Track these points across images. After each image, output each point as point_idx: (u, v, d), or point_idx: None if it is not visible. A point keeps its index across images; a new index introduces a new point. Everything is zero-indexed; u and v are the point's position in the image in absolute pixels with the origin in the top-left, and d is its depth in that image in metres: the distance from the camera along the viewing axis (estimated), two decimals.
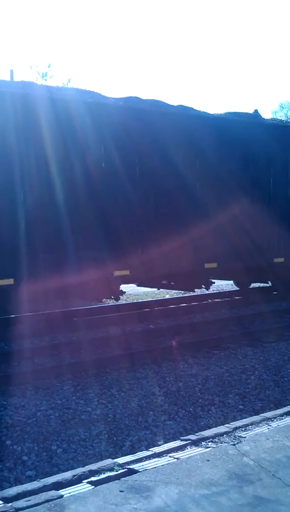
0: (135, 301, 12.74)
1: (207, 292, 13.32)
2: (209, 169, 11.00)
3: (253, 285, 14.30)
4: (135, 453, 4.43)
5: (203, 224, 10.74)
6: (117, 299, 10.58)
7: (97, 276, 9.47)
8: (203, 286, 11.79)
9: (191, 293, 12.97)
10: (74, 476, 3.78)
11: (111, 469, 3.88)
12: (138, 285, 12.22)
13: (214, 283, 12.09)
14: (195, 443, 4.41)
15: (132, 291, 13.72)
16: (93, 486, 3.63)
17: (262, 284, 14.40)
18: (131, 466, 3.93)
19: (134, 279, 10.76)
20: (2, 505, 3.36)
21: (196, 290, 12.40)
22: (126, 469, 3.88)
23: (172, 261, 10.39)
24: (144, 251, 9.96)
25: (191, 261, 10.78)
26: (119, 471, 3.85)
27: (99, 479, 3.73)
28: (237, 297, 13.23)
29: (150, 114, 10.09)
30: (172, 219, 10.33)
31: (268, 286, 14.18)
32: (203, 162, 10.94)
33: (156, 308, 11.70)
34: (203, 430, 4.88)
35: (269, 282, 13.98)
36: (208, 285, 11.76)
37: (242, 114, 12.43)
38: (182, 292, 13.87)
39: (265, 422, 4.92)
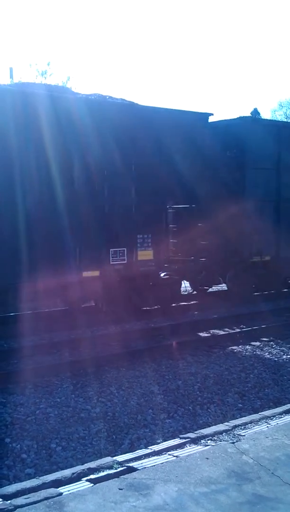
0: None
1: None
2: None
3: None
4: (134, 451, 4.44)
5: None
6: None
7: None
8: None
9: None
10: (73, 474, 3.78)
11: (110, 467, 3.88)
12: None
13: None
14: (194, 441, 4.41)
15: None
16: (92, 484, 3.63)
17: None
18: (130, 464, 3.94)
19: None
20: (1, 502, 3.37)
21: None
22: (125, 467, 3.88)
23: None
24: None
25: None
26: (118, 469, 3.85)
27: (98, 477, 3.73)
28: None
29: None
30: None
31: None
32: None
33: None
34: (202, 428, 4.89)
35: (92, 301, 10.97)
36: None
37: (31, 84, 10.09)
38: None
39: (264, 420, 4.93)
